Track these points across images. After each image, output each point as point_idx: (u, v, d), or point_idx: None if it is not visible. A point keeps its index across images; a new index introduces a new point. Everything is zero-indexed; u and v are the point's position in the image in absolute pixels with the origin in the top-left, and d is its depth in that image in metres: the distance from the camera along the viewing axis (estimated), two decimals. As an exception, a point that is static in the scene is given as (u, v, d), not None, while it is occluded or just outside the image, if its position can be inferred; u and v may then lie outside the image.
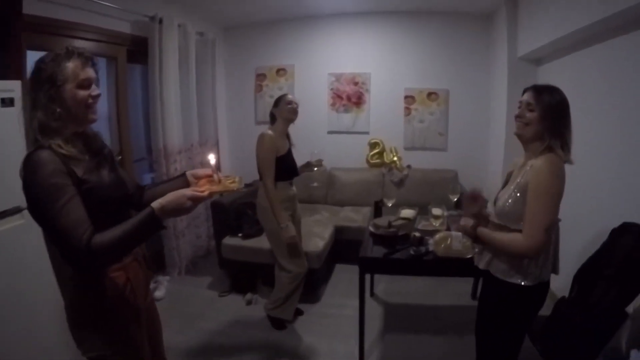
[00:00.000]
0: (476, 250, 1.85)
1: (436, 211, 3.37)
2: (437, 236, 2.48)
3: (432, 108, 4.71)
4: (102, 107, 3.40)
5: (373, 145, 4.84)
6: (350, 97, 4.79)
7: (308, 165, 3.06)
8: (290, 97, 2.86)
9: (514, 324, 1.71)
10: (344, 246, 3.90)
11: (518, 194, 1.59)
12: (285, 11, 4.54)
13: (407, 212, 3.18)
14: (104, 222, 1.19)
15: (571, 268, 2.19)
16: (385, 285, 3.65)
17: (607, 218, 2.32)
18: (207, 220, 4.29)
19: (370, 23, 4.68)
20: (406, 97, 4.72)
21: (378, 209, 3.27)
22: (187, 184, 1.52)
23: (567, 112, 1.58)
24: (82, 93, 1.28)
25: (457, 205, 3.39)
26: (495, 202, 1.74)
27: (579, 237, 2.70)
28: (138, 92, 4.62)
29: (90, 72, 1.30)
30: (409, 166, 4.71)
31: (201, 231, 4.25)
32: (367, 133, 4.87)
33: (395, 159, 4.75)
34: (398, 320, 3.16)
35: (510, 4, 3.90)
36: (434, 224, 2.86)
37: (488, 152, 4.77)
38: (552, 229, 1.54)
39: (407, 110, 4.74)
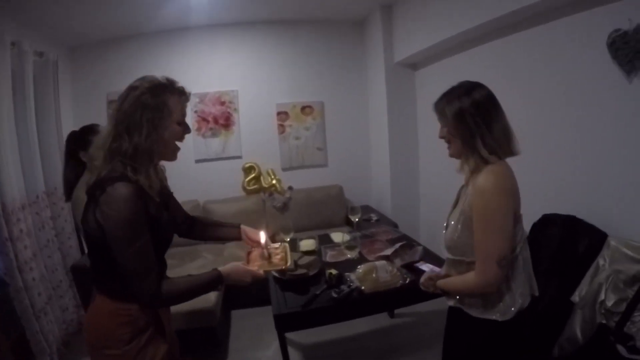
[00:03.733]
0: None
1: (337, 237, 3.10)
2: (360, 270, 2.29)
3: (307, 123, 4.58)
4: None
5: (248, 170, 4.50)
6: (218, 119, 4.37)
7: None
8: None
9: None
10: (237, 289, 3.34)
11: (464, 223, 1.42)
12: (140, 26, 3.97)
13: (307, 244, 2.91)
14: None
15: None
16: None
17: (527, 213, 2.27)
18: (70, 286, 3.38)
19: (236, 35, 4.35)
20: (279, 113, 4.51)
21: None
22: (239, 237, 1.77)
23: (477, 110, 1.36)
24: (179, 129, 1.38)
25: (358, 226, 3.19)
26: (445, 230, 1.54)
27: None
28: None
29: (186, 110, 1.42)
30: (290, 188, 4.48)
31: (66, 301, 3.34)
32: (239, 157, 4.52)
33: (274, 182, 4.49)
34: None
35: (385, 10, 3.95)
36: (348, 255, 2.54)
37: (371, 162, 4.81)
38: (506, 259, 1.36)
39: (281, 128, 4.52)
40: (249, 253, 1.69)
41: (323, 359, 2.91)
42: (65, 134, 3.10)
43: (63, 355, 3.13)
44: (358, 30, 4.53)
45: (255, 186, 4.46)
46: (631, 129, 1.88)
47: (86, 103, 4.19)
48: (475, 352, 1.50)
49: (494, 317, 1.41)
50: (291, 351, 2.93)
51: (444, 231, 1.56)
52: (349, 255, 2.60)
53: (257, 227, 3.86)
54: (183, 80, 3.88)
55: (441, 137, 1.49)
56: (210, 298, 2.94)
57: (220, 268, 1.42)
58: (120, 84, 3.97)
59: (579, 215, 2.11)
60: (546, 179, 2.45)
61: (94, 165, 1.40)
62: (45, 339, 2.94)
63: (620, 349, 1.62)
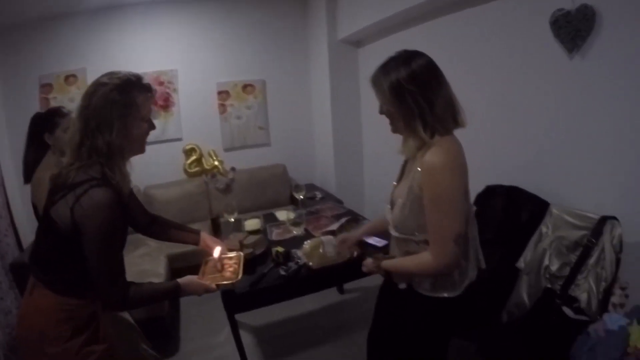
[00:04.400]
0: None
1: (282, 215, 3.09)
2: (307, 245, 2.30)
3: (249, 101, 4.48)
4: None
5: (189, 152, 4.32)
6: (156, 100, 4.13)
7: None
8: None
9: (442, 340, 1.57)
10: (184, 275, 3.22)
11: (413, 202, 1.37)
12: (73, 3, 3.60)
13: (252, 223, 2.88)
14: None
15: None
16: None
17: (470, 184, 2.38)
18: (11, 287, 3.06)
19: (175, 12, 4.08)
20: (220, 92, 4.36)
21: (217, 227, 2.82)
22: (197, 243, 1.84)
23: (416, 83, 1.28)
24: (145, 126, 1.41)
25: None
26: (391, 207, 1.50)
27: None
28: None
29: (151, 107, 1.45)
30: (233, 169, 4.40)
31: (8, 304, 3.00)
32: (180, 139, 4.32)
33: (216, 163, 4.37)
34: (275, 345, 2.88)
35: (329, -14, 3.89)
36: (293, 231, 2.51)
37: (314, 140, 4.81)
38: (462, 237, 1.34)
39: (222, 107, 4.40)
40: (205, 262, 1.76)
41: (275, 339, 2.91)
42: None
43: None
44: (301, 7, 4.45)
45: (197, 168, 4.31)
46: (571, 103, 1.99)
47: (16, 86, 3.78)
48: (425, 330, 1.51)
49: (445, 295, 1.42)
50: (243, 334, 2.88)
51: (389, 207, 1.54)
52: (294, 232, 2.60)
53: (199, 211, 3.78)
54: (121, 60, 3.66)
55: (381, 113, 1.42)
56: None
57: (179, 280, 1.50)
58: (52, 67, 3.67)
59: (522, 186, 2.20)
60: (489, 151, 2.54)
61: (61, 160, 1.40)
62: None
63: (566, 310, 1.73)
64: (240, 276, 1.64)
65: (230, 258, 1.77)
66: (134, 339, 1.79)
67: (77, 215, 1.24)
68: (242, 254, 1.82)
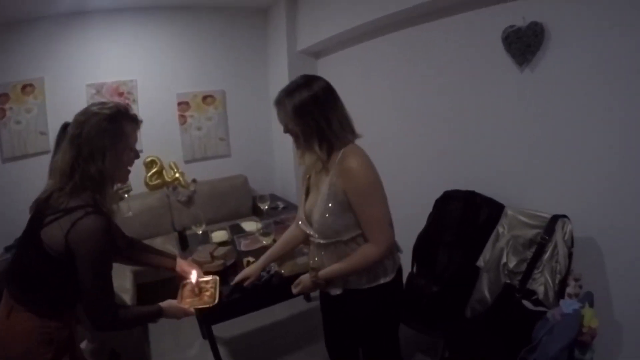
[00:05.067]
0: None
1: (249, 226, 3.11)
2: None
3: (209, 113, 4.49)
4: None
5: (149, 165, 4.27)
6: (115, 111, 3.94)
7: None
8: None
9: (392, 320, 1.74)
10: (150, 289, 3.26)
11: (336, 207, 1.52)
12: (29, 9, 3.46)
13: (219, 235, 2.89)
14: None
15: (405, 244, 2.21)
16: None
17: (428, 191, 2.57)
18: None
19: (134, 21, 4.03)
20: (180, 103, 4.35)
21: (184, 240, 2.80)
22: (174, 267, 1.91)
23: (316, 103, 1.46)
24: (132, 155, 1.50)
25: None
26: (309, 219, 1.65)
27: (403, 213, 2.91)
28: None
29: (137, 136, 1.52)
30: (194, 180, 4.38)
31: None
32: (139, 151, 4.07)
33: (177, 175, 4.33)
34: (250, 355, 2.92)
35: (289, -2, 3.98)
36: (263, 241, 2.55)
37: (273, 151, 4.88)
38: (391, 221, 1.54)
39: (183, 119, 4.38)
40: (183, 286, 1.83)
41: (248, 350, 2.94)
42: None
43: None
44: (261, 18, 4.52)
45: (158, 181, 4.26)
46: (522, 112, 2.17)
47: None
48: (377, 318, 1.67)
49: (381, 281, 1.58)
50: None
51: (301, 223, 1.69)
52: (264, 242, 2.62)
53: (162, 225, 3.73)
54: (80, 70, 3.56)
55: (285, 132, 1.56)
56: (124, 300, 2.79)
57: (161, 304, 1.58)
58: (7, 76, 3.57)
59: (478, 190, 2.36)
60: (446, 158, 2.72)
61: (48, 183, 1.44)
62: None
63: (526, 303, 1.89)
64: (217, 300, 1.73)
65: (207, 282, 1.86)
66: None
67: (72, 240, 1.29)
68: (217, 278, 1.90)
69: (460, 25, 2.45)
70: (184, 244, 2.82)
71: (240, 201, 4.45)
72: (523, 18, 1.99)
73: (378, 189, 1.49)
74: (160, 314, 1.56)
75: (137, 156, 1.53)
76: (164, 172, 4.29)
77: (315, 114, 1.44)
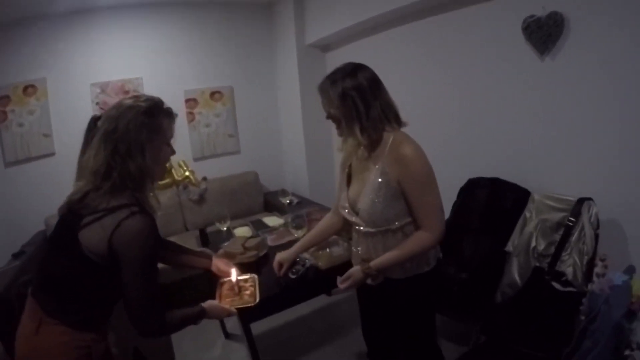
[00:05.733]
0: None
1: (272, 221, 3.13)
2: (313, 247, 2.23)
3: (217, 109, 4.50)
4: None
5: (159, 163, 4.14)
6: (123, 110, 3.96)
7: None
8: None
9: (430, 309, 1.77)
10: (173, 291, 3.29)
11: (388, 195, 1.54)
12: (31, 8, 3.42)
13: (242, 231, 2.86)
14: None
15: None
16: (234, 318, 3.20)
17: (453, 178, 2.56)
18: None
19: (139, 19, 4.01)
20: (187, 100, 4.35)
21: (204, 237, 2.81)
22: (209, 267, 1.88)
23: (360, 93, 1.49)
24: (169, 150, 1.43)
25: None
26: (354, 208, 1.67)
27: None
28: None
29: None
30: (204, 178, 4.36)
31: None
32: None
33: (187, 173, 4.30)
34: (275, 353, 2.91)
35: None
36: (295, 234, 2.55)
37: (283, 145, 4.88)
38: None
39: (191, 116, 4.39)
40: (221, 284, 1.81)
41: (274, 347, 2.95)
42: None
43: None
44: (267, 13, 4.53)
45: (168, 180, 4.22)
46: (544, 99, 2.23)
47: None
48: (415, 308, 1.70)
49: (425, 269, 1.62)
50: (239, 346, 2.98)
51: (346, 211, 1.69)
52: (296, 235, 2.59)
53: (174, 224, 3.74)
54: (84, 69, 3.58)
55: (328, 118, 1.60)
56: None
57: (203, 304, 1.53)
58: (8, 78, 3.62)
59: (503, 177, 2.42)
60: (470, 146, 2.77)
61: (77, 184, 1.34)
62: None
63: (555, 284, 1.96)
64: (258, 299, 1.69)
65: (246, 280, 1.83)
66: None
67: (117, 241, 1.21)
68: (256, 276, 1.86)
69: (479, 16, 2.49)
70: (205, 241, 2.83)
71: (253, 197, 4.46)
72: (543, 8, 2.05)
73: (433, 176, 1.52)
74: (203, 314, 1.50)
75: (173, 152, 1.45)
76: (173, 170, 4.25)
77: (356, 99, 1.47)
